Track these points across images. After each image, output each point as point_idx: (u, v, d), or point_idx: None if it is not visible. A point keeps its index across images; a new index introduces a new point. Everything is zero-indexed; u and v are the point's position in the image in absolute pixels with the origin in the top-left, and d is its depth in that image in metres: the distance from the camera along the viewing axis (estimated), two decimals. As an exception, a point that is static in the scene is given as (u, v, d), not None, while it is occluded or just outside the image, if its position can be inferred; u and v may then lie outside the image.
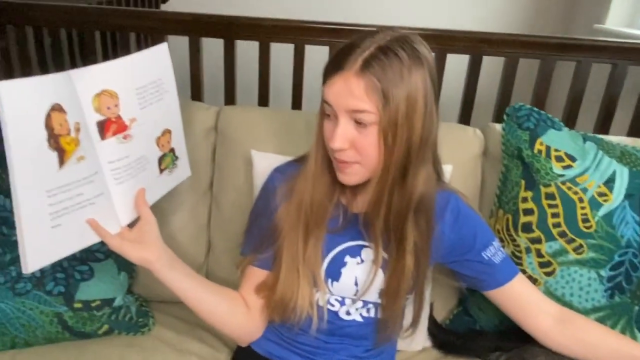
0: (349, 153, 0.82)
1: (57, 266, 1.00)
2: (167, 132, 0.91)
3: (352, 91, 0.77)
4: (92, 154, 0.76)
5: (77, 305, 1.01)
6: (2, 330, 0.99)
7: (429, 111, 0.80)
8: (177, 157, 0.96)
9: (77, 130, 0.73)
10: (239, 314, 0.93)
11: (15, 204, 0.67)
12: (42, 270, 0.99)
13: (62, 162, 0.71)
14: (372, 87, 0.76)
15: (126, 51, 1.76)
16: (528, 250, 1.04)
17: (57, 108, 0.70)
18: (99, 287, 1.04)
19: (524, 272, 1.03)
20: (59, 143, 0.70)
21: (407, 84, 0.77)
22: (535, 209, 1.03)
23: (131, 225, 0.84)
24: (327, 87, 0.80)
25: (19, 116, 0.65)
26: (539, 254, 1.03)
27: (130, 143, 0.81)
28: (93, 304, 1.03)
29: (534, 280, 1.03)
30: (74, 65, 1.88)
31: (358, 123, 0.79)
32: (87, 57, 1.77)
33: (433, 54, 0.85)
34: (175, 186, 0.98)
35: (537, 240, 1.03)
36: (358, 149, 0.81)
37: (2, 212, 0.99)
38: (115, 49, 2.12)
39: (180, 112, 0.94)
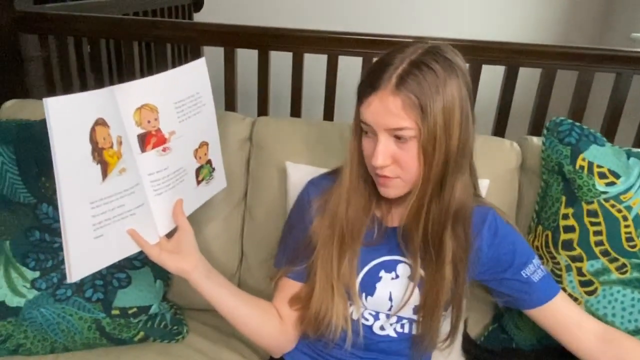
0: (390, 168, 0.81)
1: (96, 273, 1.01)
2: (205, 144, 0.93)
3: (390, 110, 0.77)
4: (133, 166, 0.78)
5: (115, 312, 1.03)
6: (42, 335, 1.01)
7: (465, 120, 0.80)
8: (213, 169, 0.97)
9: (120, 143, 0.75)
10: (272, 325, 0.93)
11: (61, 215, 0.69)
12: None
13: (105, 174, 0.73)
14: (410, 104, 0.76)
15: (163, 61, 1.80)
16: (568, 268, 1.01)
17: (100, 122, 0.72)
18: (136, 294, 1.05)
19: (564, 290, 1.00)
20: (103, 156, 0.72)
21: (443, 95, 0.76)
22: (576, 226, 1.00)
23: (169, 235, 0.86)
24: (364, 108, 0.80)
25: (65, 130, 0.67)
26: (580, 273, 1.00)
27: (169, 155, 0.83)
28: (130, 311, 1.04)
29: (574, 300, 1.00)
30: (111, 74, 1.93)
31: (398, 138, 0.79)
32: (125, 67, 1.81)
33: (467, 64, 0.85)
34: (211, 197, 0.99)
35: (578, 259, 1.00)
36: (400, 164, 0.81)
37: (45, 219, 1.02)
38: (149, 59, 2.17)
39: (217, 124, 0.96)
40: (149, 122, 0.79)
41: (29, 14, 1.69)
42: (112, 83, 1.94)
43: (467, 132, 0.81)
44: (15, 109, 1.27)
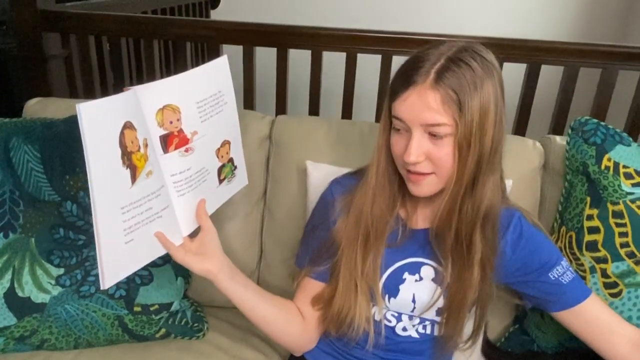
0: (424, 165, 0.81)
1: (119, 270, 1.04)
2: (227, 143, 0.92)
3: (429, 104, 0.76)
4: (158, 168, 0.78)
5: (137, 308, 1.04)
6: (66, 331, 1.03)
7: (498, 120, 0.80)
8: (235, 167, 0.97)
9: (146, 145, 0.75)
10: (295, 324, 0.93)
11: (95, 222, 0.69)
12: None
13: (134, 178, 0.73)
14: (448, 99, 0.76)
15: (182, 59, 1.81)
16: (593, 270, 0.99)
17: (128, 126, 0.72)
18: (158, 291, 1.06)
19: (587, 292, 0.99)
20: (131, 160, 0.73)
21: (480, 93, 0.76)
22: (601, 227, 0.99)
23: (191, 235, 0.86)
24: (399, 103, 0.79)
25: (97, 136, 0.67)
26: (605, 275, 0.98)
27: (191, 156, 0.83)
28: (152, 308, 1.06)
29: (598, 302, 0.99)
30: (131, 72, 1.94)
31: (432, 135, 0.78)
32: (144, 65, 1.83)
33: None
34: (233, 195, 0.99)
35: (603, 260, 0.98)
36: (433, 161, 0.80)
37: (69, 217, 1.03)
38: (168, 57, 2.19)
39: (238, 122, 0.96)
40: (171, 122, 0.79)
41: (51, 13, 1.71)
42: (131, 81, 1.95)
43: (500, 132, 0.81)
44: (39, 107, 1.29)
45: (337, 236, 0.91)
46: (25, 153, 1.03)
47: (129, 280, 1.04)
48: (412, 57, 0.81)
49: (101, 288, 0.73)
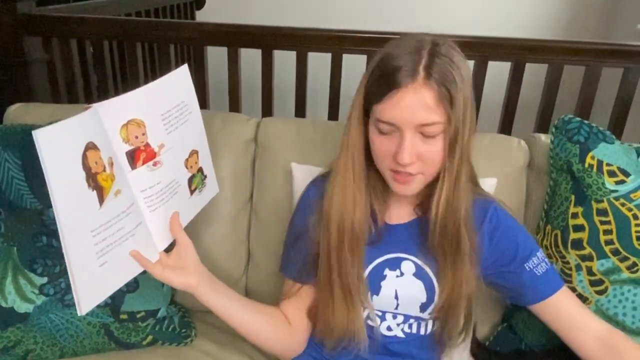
0: (414, 166, 0.80)
1: (104, 278, 1.02)
2: (194, 152, 0.91)
3: (425, 103, 0.75)
4: (126, 185, 0.75)
5: (123, 316, 1.03)
6: (51, 340, 1.01)
7: (472, 109, 0.81)
8: (205, 176, 0.95)
9: (111, 164, 0.73)
10: (281, 331, 0.93)
11: (64, 248, 0.68)
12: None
13: (101, 199, 0.72)
14: (442, 96, 0.75)
15: (166, 61, 1.79)
16: (578, 267, 1.00)
17: (91, 146, 0.70)
18: (144, 298, 1.05)
19: (573, 290, 1.00)
20: (97, 181, 0.71)
21: (462, 85, 0.77)
22: (586, 225, 0.99)
23: (167, 250, 0.84)
24: (389, 106, 0.77)
25: (57, 161, 0.66)
26: (590, 272, 0.99)
27: (160, 169, 0.81)
28: (138, 315, 1.04)
29: (584, 299, 0.99)
30: (115, 75, 1.92)
31: (423, 134, 0.78)
32: (128, 68, 1.81)
33: (473, 60, 0.86)
34: (205, 205, 0.97)
35: (588, 258, 0.99)
36: (424, 160, 0.80)
37: (52, 225, 1.02)
38: (153, 59, 2.17)
39: (204, 130, 0.93)
40: (136, 137, 0.76)
41: (32, 16, 1.69)
42: (116, 84, 1.93)
43: (473, 121, 0.82)
44: (20, 113, 1.27)
45: (321, 242, 0.89)
46: (5, 160, 1.02)
47: (114, 287, 1.03)
48: (383, 58, 0.79)
49: (78, 314, 0.71)
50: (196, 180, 0.92)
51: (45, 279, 1.00)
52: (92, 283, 0.73)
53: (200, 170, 0.93)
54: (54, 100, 1.80)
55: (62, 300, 1.00)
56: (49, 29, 1.72)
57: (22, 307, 0.99)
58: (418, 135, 0.78)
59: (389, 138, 0.80)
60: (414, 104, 0.75)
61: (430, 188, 0.85)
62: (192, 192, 0.91)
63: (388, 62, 0.78)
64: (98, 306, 1.00)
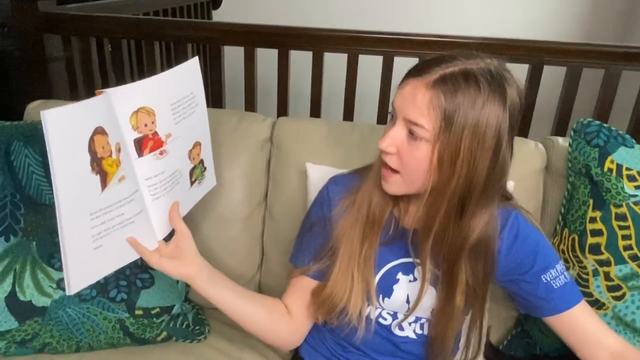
0: (392, 159, 0.81)
1: (120, 274, 1.04)
2: (198, 144, 0.91)
3: (416, 101, 0.75)
4: (132, 172, 0.76)
5: (138, 312, 1.04)
6: (68, 334, 1.03)
7: (501, 155, 0.76)
8: (205, 168, 0.96)
9: (118, 150, 0.74)
10: (280, 322, 0.93)
11: (60, 227, 0.68)
12: (106, 278, 1.02)
13: (104, 184, 0.72)
14: (436, 104, 0.74)
15: (183, 60, 1.80)
16: (595, 272, 0.99)
17: (99, 131, 0.70)
18: (159, 294, 1.06)
19: (590, 295, 0.98)
20: (102, 166, 0.71)
21: (478, 115, 0.73)
22: (604, 230, 0.98)
23: (166, 239, 0.84)
24: (398, 90, 0.80)
25: (63, 143, 0.66)
26: (608, 277, 0.98)
27: (165, 158, 0.81)
28: (153, 311, 1.05)
29: (601, 305, 0.98)
30: (133, 74, 1.94)
31: (410, 133, 0.78)
32: (146, 66, 1.83)
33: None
34: (203, 196, 0.97)
35: (606, 263, 0.98)
36: (402, 159, 0.80)
37: (71, 220, 1.03)
38: (170, 58, 2.18)
39: (208, 123, 0.94)
40: (145, 125, 0.77)
41: (53, 15, 1.71)
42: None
43: (501, 168, 0.77)
44: (41, 110, 1.29)
45: (337, 235, 0.90)
46: (26, 156, 1.03)
47: (130, 283, 1.04)
48: (439, 55, 0.79)
49: (67, 294, 0.72)
50: (197, 172, 0.93)
51: (62, 274, 1.01)
52: (84, 265, 0.73)
53: (201, 162, 0.94)
54: (72, 97, 1.82)
55: (78, 294, 1.02)
56: (68, 28, 1.74)
57: (40, 301, 1.01)
58: (407, 131, 0.78)
59: (389, 126, 0.82)
60: (409, 96, 0.77)
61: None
62: (192, 183, 0.92)
63: (432, 58, 0.79)
64: (114, 301, 1.02)
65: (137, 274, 1.05)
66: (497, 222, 0.85)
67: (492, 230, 0.83)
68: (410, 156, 0.78)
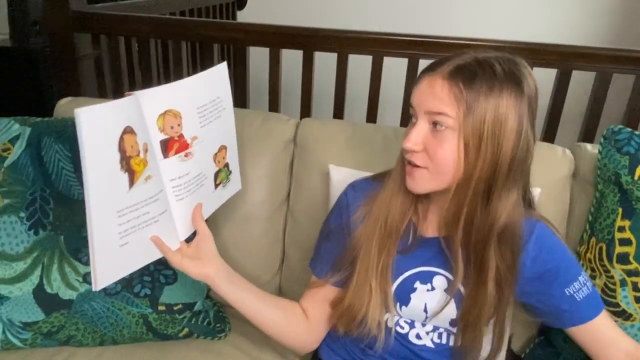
0: (419, 156, 0.80)
1: (145, 269, 1.04)
2: (223, 148, 0.93)
3: (435, 92, 0.77)
4: (157, 172, 0.78)
5: (161, 307, 1.06)
6: (92, 328, 1.05)
7: (523, 136, 0.78)
8: (230, 172, 0.97)
9: (145, 150, 0.76)
10: (297, 325, 0.94)
11: (89, 225, 0.70)
12: (131, 273, 1.04)
13: (132, 182, 0.74)
14: (455, 92, 0.75)
15: (209, 60, 1.82)
16: (623, 283, 0.97)
17: (128, 131, 0.72)
18: (182, 291, 1.07)
19: (617, 305, 0.97)
20: (130, 165, 0.73)
21: (497, 99, 0.75)
22: (633, 239, 0.96)
23: (187, 240, 0.86)
24: (414, 89, 0.81)
25: (95, 140, 0.68)
26: (636, 288, 0.96)
27: (190, 160, 0.83)
28: (175, 307, 1.07)
29: (628, 316, 0.96)
30: (159, 73, 1.97)
31: (434, 126, 0.78)
32: (172, 66, 1.85)
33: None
34: (227, 200, 0.99)
35: (634, 273, 0.96)
36: (430, 154, 0.79)
37: (98, 215, 1.05)
38: (195, 58, 2.21)
39: (234, 128, 0.96)
40: (172, 127, 0.79)
41: (83, 14, 1.75)
42: (159, 82, 1.98)
43: (524, 149, 0.79)
44: (70, 107, 1.32)
45: (356, 242, 0.90)
46: (56, 152, 1.06)
47: (154, 279, 1.06)
48: (450, 55, 0.81)
49: (93, 289, 0.74)
50: (222, 175, 0.94)
51: (89, 268, 1.03)
52: (110, 261, 0.75)
53: (226, 165, 0.95)
54: (100, 94, 1.85)
55: (104, 289, 1.03)
56: (98, 26, 1.78)
57: (67, 294, 1.03)
58: (429, 125, 0.79)
59: (411, 127, 0.82)
60: (427, 90, 0.78)
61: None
62: (216, 186, 0.93)
63: (443, 57, 0.81)
64: (138, 297, 1.04)
65: (161, 270, 1.06)
66: (522, 208, 0.85)
67: (517, 215, 0.83)
68: (438, 148, 0.78)
